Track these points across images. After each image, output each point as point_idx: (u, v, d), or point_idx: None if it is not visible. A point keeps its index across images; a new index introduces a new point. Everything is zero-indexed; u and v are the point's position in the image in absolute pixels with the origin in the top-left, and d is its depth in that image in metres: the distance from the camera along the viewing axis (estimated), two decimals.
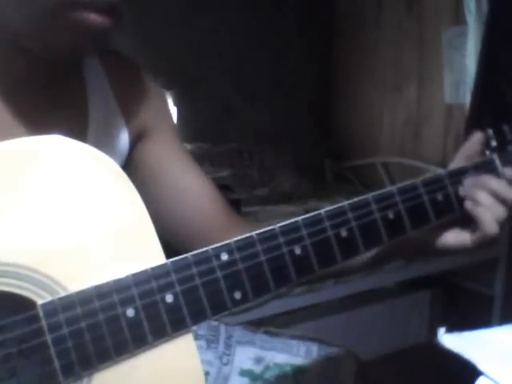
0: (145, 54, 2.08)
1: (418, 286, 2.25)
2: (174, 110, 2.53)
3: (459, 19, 2.38)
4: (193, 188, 0.73)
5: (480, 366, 0.56)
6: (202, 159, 2.56)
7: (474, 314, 2.25)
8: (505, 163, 0.66)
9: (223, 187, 2.17)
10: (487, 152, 0.67)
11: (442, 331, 2.30)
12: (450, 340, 0.61)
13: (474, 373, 0.56)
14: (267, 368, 0.80)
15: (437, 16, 2.53)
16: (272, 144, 2.80)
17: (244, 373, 0.81)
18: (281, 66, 2.96)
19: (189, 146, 2.57)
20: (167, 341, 0.48)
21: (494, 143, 0.67)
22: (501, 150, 0.67)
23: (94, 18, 0.50)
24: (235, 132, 2.76)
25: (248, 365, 0.82)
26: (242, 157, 2.72)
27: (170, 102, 2.59)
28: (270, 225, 0.53)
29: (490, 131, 0.68)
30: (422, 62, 2.64)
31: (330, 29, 3.10)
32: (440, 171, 0.65)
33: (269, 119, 2.90)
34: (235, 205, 2.01)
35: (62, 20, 0.50)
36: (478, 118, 2.22)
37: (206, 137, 2.64)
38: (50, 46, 0.53)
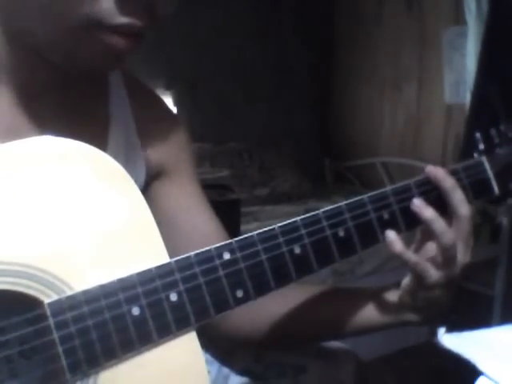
0: (145, 55, 2.08)
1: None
2: (173, 110, 2.53)
3: (459, 19, 2.39)
4: (203, 232, 0.73)
5: (480, 366, 0.56)
6: (202, 159, 2.57)
7: (474, 314, 2.25)
8: (493, 166, 0.68)
9: (223, 187, 2.17)
10: (475, 155, 0.69)
11: (442, 331, 2.30)
12: (450, 340, 0.61)
13: (474, 373, 0.56)
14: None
15: (437, 16, 2.53)
16: (272, 144, 2.81)
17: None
18: (280, 65, 2.96)
19: None
20: (172, 339, 0.48)
21: (481, 146, 0.69)
22: (489, 152, 0.69)
23: (118, 41, 0.51)
24: (235, 132, 2.77)
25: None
26: (242, 157, 2.72)
27: (170, 101, 2.59)
28: (270, 224, 0.54)
29: (478, 134, 0.69)
30: (422, 62, 2.64)
31: (329, 28, 3.10)
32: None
33: (269, 119, 2.90)
34: (235, 205, 2.00)
35: (87, 40, 0.51)
36: (477, 117, 2.22)
37: (206, 137, 2.64)
38: (71, 62, 0.54)
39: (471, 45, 2.28)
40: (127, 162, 0.66)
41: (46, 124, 0.59)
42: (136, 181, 0.67)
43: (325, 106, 3.15)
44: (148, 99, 0.72)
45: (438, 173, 0.63)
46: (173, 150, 0.72)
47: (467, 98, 2.34)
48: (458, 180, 0.65)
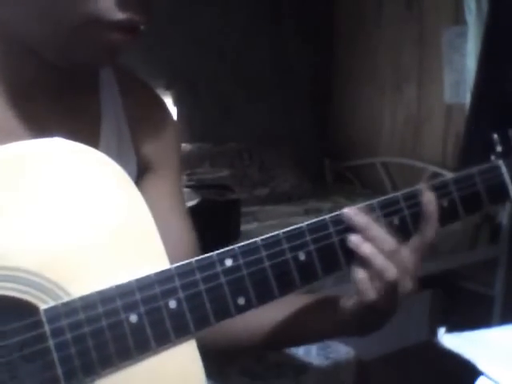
0: (145, 55, 2.08)
1: (417, 285, 2.25)
2: (174, 110, 2.53)
3: (459, 19, 2.39)
4: (172, 234, 0.71)
5: (480, 366, 0.56)
6: (202, 159, 2.57)
7: (474, 314, 2.25)
8: (511, 169, 0.65)
9: (223, 187, 2.17)
10: (492, 157, 0.66)
11: (442, 331, 2.30)
12: (450, 340, 0.61)
13: (474, 373, 0.56)
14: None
15: (437, 16, 2.54)
16: (272, 144, 2.81)
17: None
18: (281, 65, 2.96)
19: (189, 146, 2.57)
20: (170, 347, 0.47)
21: (499, 149, 0.66)
22: (506, 155, 0.65)
23: (117, 36, 0.51)
24: (235, 132, 2.77)
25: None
26: (242, 157, 2.72)
27: (170, 101, 2.59)
28: (270, 224, 0.53)
29: (496, 136, 0.66)
30: (422, 62, 2.64)
31: (330, 29, 3.10)
32: (446, 176, 0.63)
33: (269, 119, 2.90)
34: (235, 205, 2.00)
35: (85, 38, 0.51)
36: (477, 117, 2.22)
37: (206, 137, 2.65)
38: (68, 60, 0.54)
39: (471, 45, 2.28)
40: (119, 158, 0.66)
41: (38, 123, 0.58)
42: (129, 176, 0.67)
43: (325, 105, 3.14)
44: (141, 95, 0.71)
45: (351, 214, 0.55)
46: (161, 146, 0.72)
47: (467, 98, 2.34)
48: (472, 185, 0.62)
